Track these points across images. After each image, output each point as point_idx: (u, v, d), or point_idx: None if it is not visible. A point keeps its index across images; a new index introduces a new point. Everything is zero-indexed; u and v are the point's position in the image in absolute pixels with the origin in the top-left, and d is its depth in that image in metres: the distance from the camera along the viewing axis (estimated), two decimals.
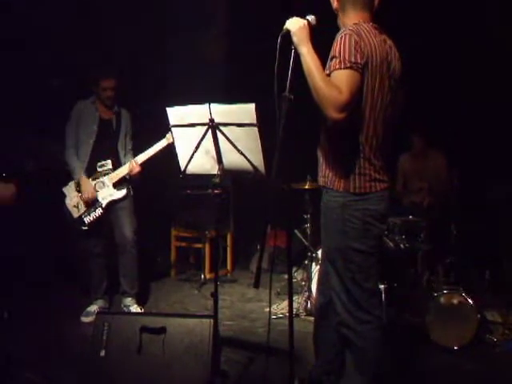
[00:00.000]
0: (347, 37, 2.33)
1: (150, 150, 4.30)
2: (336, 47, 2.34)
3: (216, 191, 2.97)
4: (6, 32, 4.57)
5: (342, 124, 2.32)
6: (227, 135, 2.77)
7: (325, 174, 2.55)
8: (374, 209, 2.46)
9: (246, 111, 2.66)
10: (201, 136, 2.83)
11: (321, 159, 2.60)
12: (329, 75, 2.34)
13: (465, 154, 5.01)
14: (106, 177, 4.34)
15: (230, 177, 5.26)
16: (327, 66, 2.41)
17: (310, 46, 2.35)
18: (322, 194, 2.62)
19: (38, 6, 4.74)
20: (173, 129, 2.92)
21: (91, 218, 4.28)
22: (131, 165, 4.31)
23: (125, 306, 4.53)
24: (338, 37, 2.37)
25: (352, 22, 2.46)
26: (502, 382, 3.37)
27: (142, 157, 4.32)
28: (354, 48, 2.31)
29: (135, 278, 4.54)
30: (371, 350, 2.51)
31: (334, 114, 2.26)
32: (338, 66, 2.31)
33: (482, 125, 5.10)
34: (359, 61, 2.31)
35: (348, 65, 2.29)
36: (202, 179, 3.14)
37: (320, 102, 2.29)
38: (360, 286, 2.48)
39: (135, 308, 4.54)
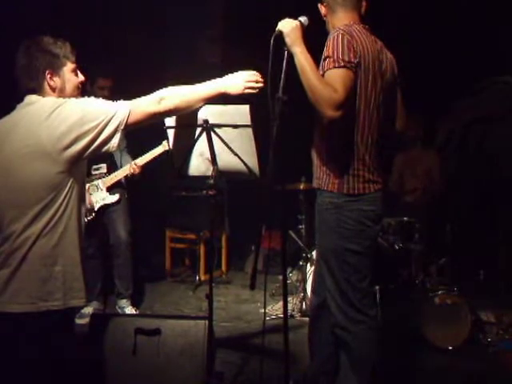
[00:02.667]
0: (339, 36, 2.35)
1: (147, 154, 4.28)
2: (329, 47, 2.36)
3: (210, 192, 2.97)
4: None
5: (338, 123, 2.33)
6: (222, 136, 2.77)
7: (319, 176, 2.56)
8: (368, 209, 2.47)
9: (241, 112, 2.66)
10: (195, 137, 2.83)
11: (315, 160, 2.60)
12: (322, 75, 2.35)
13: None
14: (100, 180, 4.33)
15: (224, 178, 5.26)
16: (320, 66, 2.42)
17: (303, 46, 2.36)
18: (317, 195, 2.62)
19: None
20: (168, 130, 2.91)
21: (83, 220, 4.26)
22: (132, 167, 4.30)
23: (119, 307, 4.52)
24: (331, 37, 2.39)
25: (342, 23, 2.48)
26: (496, 382, 3.38)
27: (142, 159, 4.32)
28: (347, 47, 2.32)
29: (130, 279, 4.53)
30: (366, 350, 2.51)
31: (329, 112, 2.27)
32: (331, 66, 2.32)
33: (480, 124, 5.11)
34: (352, 60, 2.32)
35: (342, 64, 2.31)
36: (197, 181, 3.14)
37: (315, 101, 2.30)
38: (354, 286, 2.49)
39: (130, 309, 4.53)
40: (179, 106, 2.14)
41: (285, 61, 2.36)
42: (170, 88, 2.15)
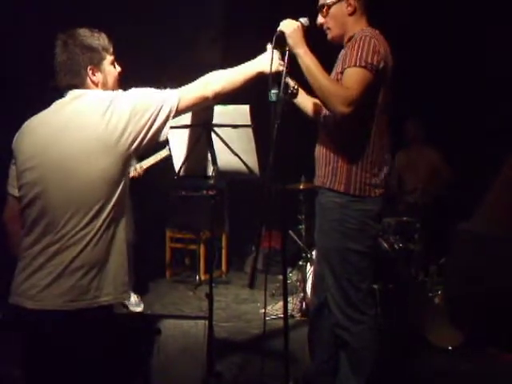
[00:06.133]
0: (367, 39, 2.37)
1: (151, 158, 4.43)
2: (354, 47, 2.39)
3: (210, 192, 2.97)
4: None
5: (352, 125, 2.37)
6: (222, 136, 2.77)
7: (324, 174, 2.55)
8: (370, 209, 2.48)
9: (241, 112, 2.66)
10: (195, 137, 2.83)
11: (320, 159, 2.60)
12: (341, 73, 2.40)
13: (463, 152, 5.02)
14: None
15: (224, 178, 5.27)
16: (337, 65, 2.44)
17: (305, 47, 2.36)
18: (319, 194, 2.62)
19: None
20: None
21: None
22: (135, 171, 4.43)
23: None
24: (357, 37, 2.41)
25: (360, 27, 2.50)
26: (496, 382, 3.38)
27: (146, 163, 4.45)
28: (373, 50, 2.35)
29: (131, 272, 4.60)
30: (366, 350, 2.52)
31: (341, 108, 2.28)
32: (352, 63, 2.35)
33: (481, 122, 5.09)
34: (375, 63, 2.34)
35: (363, 64, 2.33)
36: (197, 180, 3.14)
37: (326, 98, 2.32)
38: (355, 286, 2.49)
39: (134, 296, 4.64)
40: (225, 88, 2.13)
41: (286, 61, 2.36)
42: (214, 72, 2.14)
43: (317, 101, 2.65)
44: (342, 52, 2.58)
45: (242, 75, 2.19)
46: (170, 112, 1.98)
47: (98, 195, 1.87)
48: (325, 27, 2.59)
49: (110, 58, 2.05)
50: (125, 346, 2.26)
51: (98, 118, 1.86)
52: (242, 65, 2.24)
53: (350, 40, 2.52)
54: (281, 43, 2.35)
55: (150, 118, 1.93)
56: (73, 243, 1.85)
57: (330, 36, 2.60)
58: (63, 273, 1.84)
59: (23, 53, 4.77)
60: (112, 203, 1.89)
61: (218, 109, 2.74)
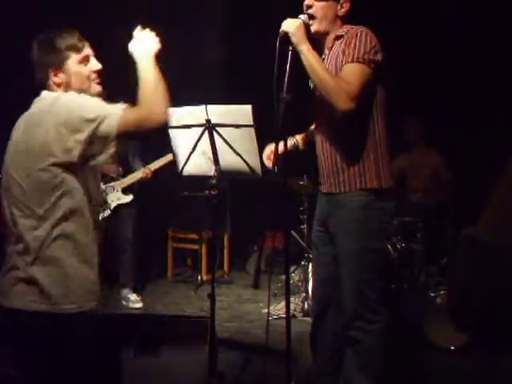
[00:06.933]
0: (363, 34, 2.39)
1: (159, 160, 4.60)
2: (350, 43, 2.38)
3: (212, 192, 2.97)
4: None
5: (360, 119, 2.40)
6: (224, 136, 2.77)
7: (347, 179, 2.52)
8: (389, 207, 2.51)
9: (243, 112, 2.66)
10: (197, 137, 2.83)
11: (338, 162, 2.54)
12: (340, 68, 2.40)
13: (465, 154, 5.01)
14: (117, 182, 4.60)
15: (226, 178, 5.28)
16: (331, 63, 2.43)
17: (308, 44, 2.38)
18: (332, 196, 2.59)
19: None
20: (170, 130, 2.91)
21: (99, 218, 4.41)
22: (144, 171, 4.60)
23: (123, 297, 4.65)
24: (353, 34, 2.41)
25: (345, 29, 2.50)
26: (498, 382, 3.37)
27: (155, 165, 4.63)
28: (370, 45, 2.36)
29: (133, 272, 4.70)
30: (377, 349, 2.51)
31: (342, 105, 2.30)
32: (349, 60, 2.36)
33: (482, 124, 5.08)
34: (371, 57, 2.35)
35: (360, 60, 2.34)
36: (199, 180, 3.14)
37: (328, 94, 2.33)
38: (372, 286, 2.49)
39: (134, 297, 4.68)
40: (165, 99, 1.96)
41: (289, 62, 2.36)
42: (141, 95, 1.94)
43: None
44: (331, 50, 2.55)
45: (153, 71, 2.04)
46: (108, 133, 1.83)
47: (42, 198, 1.86)
48: (311, 12, 2.48)
49: (77, 56, 1.98)
50: (106, 350, 2.25)
51: (41, 123, 1.87)
52: (138, 67, 2.05)
53: (337, 39, 2.51)
54: (285, 44, 2.36)
55: (87, 131, 1.82)
56: (29, 243, 1.87)
57: (315, 27, 2.49)
58: (26, 272, 1.86)
59: (23, 52, 4.77)
60: (62, 207, 1.87)
61: (220, 109, 2.74)
